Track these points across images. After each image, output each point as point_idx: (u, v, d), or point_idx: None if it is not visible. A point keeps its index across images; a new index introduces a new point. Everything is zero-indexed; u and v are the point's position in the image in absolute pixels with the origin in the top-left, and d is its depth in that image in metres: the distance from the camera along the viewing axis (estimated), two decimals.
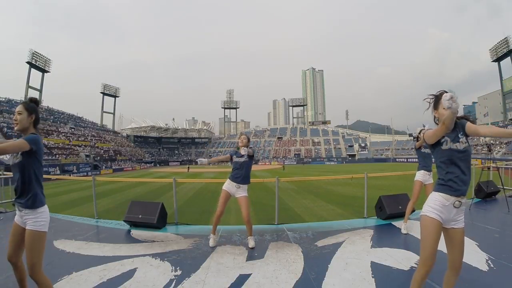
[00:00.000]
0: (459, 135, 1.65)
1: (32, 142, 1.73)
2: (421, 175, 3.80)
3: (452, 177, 1.62)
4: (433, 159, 3.86)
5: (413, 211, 4.03)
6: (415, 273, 1.70)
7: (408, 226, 3.93)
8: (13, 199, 1.85)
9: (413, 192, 3.75)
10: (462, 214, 1.67)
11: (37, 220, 1.75)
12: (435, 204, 1.65)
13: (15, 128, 1.84)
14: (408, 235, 3.61)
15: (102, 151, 44.12)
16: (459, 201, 1.62)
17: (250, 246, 3.24)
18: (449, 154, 1.64)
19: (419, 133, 3.90)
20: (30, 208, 1.74)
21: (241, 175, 3.34)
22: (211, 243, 3.33)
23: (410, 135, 62.73)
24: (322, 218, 6.65)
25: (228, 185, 3.39)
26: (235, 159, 3.43)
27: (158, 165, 56.99)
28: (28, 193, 1.75)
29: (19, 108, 1.82)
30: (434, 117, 1.78)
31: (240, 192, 3.34)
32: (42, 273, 1.75)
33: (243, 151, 3.30)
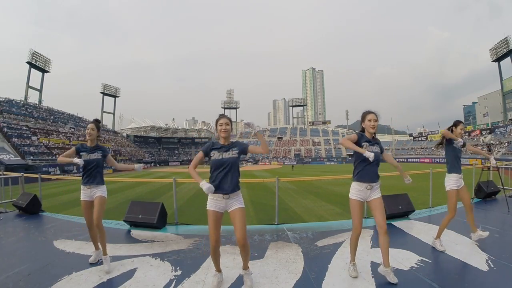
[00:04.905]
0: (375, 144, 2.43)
1: (108, 151, 3.08)
2: (454, 181, 3.04)
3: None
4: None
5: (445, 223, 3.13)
6: (351, 236, 2.48)
7: (408, 226, 3.94)
8: (83, 183, 2.85)
9: (449, 206, 3.06)
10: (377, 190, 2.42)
11: (103, 191, 2.89)
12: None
13: (88, 138, 2.92)
14: (408, 235, 3.61)
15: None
16: (371, 185, 2.38)
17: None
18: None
19: (454, 126, 3.15)
20: (101, 184, 2.89)
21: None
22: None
23: (410, 135, 62.77)
24: (322, 218, 6.66)
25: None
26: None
27: (158, 165, 56.95)
28: (101, 176, 2.92)
29: (92, 126, 2.90)
30: (362, 127, 2.49)
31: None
32: (102, 224, 2.80)
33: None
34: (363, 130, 2.48)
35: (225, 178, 2.23)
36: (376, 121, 2.40)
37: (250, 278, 2.38)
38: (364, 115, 2.46)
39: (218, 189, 2.22)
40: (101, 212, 2.81)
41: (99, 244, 2.90)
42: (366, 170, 2.37)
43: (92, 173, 2.85)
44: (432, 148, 47.71)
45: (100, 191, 2.86)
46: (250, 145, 2.43)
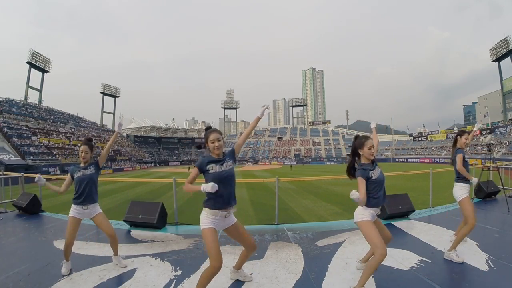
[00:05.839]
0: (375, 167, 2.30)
1: (96, 159, 2.92)
2: (466, 190, 2.92)
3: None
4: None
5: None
6: (374, 260, 2.09)
7: (408, 226, 3.94)
8: (77, 203, 2.69)
9: (466, 215, 2.81)
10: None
11: (99, 208, 2.85)
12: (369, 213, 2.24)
13: (82, 161, 2.81)
14: (408, 235, 3.60)
15: (102, 151, 44.08)
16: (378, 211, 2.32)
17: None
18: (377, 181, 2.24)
19: (459, 135, 3.13)
20: (96, 202, 2.81)
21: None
22: None
23: (410, 135, 62.77)
24: (322, 218, 6.66)
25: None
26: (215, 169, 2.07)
27: (158, 165, 56.96)
28: (96, 193, 2.82)
29: (85, 148, 2.77)
30: (357, 153, 2.36)
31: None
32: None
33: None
34: (356, 154, 2.35)
35: (228, 190, 2.05)
36: (374, 147, 2.28)
37: (244, 272, 2.49)
38: (362, 142, 2.27)
39: (222, 204, 2.02)
40: (110, 224, 2.85)
41: (70, 256, 2.71)
42: (377, 196, 2.21)
43: (87, 191, 2.70)
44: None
45: (97, 209, 2.80)
46: (234, 146, 2.30)
